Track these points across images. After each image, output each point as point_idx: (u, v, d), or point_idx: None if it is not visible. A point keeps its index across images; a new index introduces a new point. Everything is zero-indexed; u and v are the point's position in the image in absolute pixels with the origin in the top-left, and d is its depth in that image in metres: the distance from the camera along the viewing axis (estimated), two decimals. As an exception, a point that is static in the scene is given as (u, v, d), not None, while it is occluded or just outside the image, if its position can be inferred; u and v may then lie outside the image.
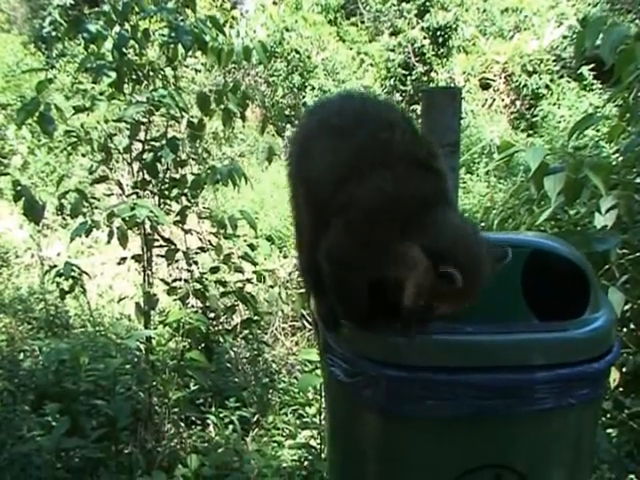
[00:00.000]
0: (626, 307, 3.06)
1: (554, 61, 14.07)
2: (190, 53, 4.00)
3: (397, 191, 1.61)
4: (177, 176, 4.07)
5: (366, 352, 1.64)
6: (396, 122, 1.75)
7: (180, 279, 4.17)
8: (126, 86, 3.90)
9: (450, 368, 1.57)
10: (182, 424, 4.22)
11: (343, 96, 2.15)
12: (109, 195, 4.49)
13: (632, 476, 3.27)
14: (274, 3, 15.86)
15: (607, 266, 2.96)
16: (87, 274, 4.02)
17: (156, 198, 4.02)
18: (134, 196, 3.94)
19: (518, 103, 14.11)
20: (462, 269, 1.51)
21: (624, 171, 3.31)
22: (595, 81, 12.96)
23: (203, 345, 4.03)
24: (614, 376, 2.93)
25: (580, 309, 1.69)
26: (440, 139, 2.03)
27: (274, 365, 5.47)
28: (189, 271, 4.17)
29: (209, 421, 4.38)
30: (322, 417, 3.93)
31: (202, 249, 4.21)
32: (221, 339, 4.38)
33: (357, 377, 1.63)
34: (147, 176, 3.99)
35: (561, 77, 13.88)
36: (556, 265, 1.75)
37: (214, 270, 4.15)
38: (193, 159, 4.28)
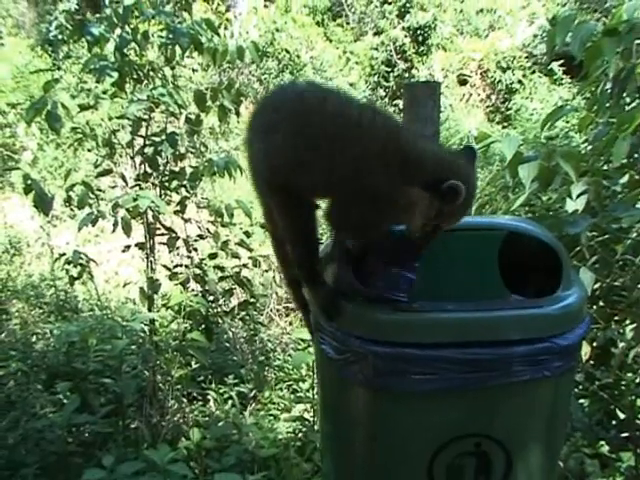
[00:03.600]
0: (596, 286, 3.06)
1: (526, 58, 14.08)
2: (187, 53, 3.97)
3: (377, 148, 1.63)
4: (176, 169, 4.05)
5: (354, 330, 1.63)
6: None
7: (181, 265, 4.16)
8: (128, 85, 3.88)
9: (432, 344, 1.56)
10: (184, 400, 4.23)
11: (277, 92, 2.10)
12: (113, 187, 4.46)
13: (602, 442, 3.28)
14: (265, 6, 15.80)
15: (578, 248, 2.96)
16: (94, 261, 4.00)
17: (157, 189, 4.00)
18: (137, 188, 3.92)
19: (493, 97, 14.13)
20: (463, 182, 1.59)
21: (593, 159, 3.31)
22: (564, 76, 13.00)
23: (203, 326, 4.02)
24: (585, 350, 2.94)
25: (553, 287, 1.69)
26: (421, 129, 2.02)
27: (269, 344, 5.47)
28: (189, 257, 4.16)
29: (209, 397, 4.39)
30: (315, 392, 3.93)
31: (201, 237, 4.20)
32: (220, 320, 4.38)
33: (345, 354, 1.63)
34: (148, 169, 3.97)
35: (533, 72, 13.90)
36: (530, 246, 1.74)
37: (212, 256, 4.14)
38: (191, 153, 4.26)
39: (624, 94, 2.92)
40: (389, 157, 1.61)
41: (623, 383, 3.30)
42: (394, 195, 1.63)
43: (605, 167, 3.20)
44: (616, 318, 3.28)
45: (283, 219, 1.80)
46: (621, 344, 3.20)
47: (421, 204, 1.62)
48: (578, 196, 2.78)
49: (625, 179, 2.98)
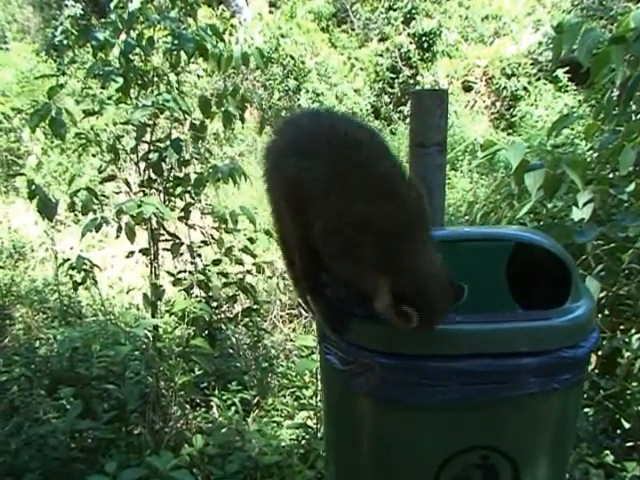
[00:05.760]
0: (601, 295, 3.05)
1: (531, 64, 14.06)
2: (192, 59, 3.96)
3: (375, 221, 1.59)
4: (181, 175, 4.04)
5: (360, 341, 1.62)
6: (365, 140, 1.73)
7: (185, 271, 4.14)
8: (132, 91, 3.87)
9: (440, 356, 1.55)
10: (187, 406, 4.20)
11: (312, 114, 2.10)
12: (117, 193, 4.46)
13: (607, 451, 3.26)
14: (270, 12, 15.83)
15: (584, 256, 2.95)
16: (98, 267, 3.98)
17: (161, 195, 3.99)
18: (141, 194, 3.91)
19: (498, 104, 14.10)
20: (419, 311, 1.50)
21: (599, 167, 3.30)
22: (569, 83, 12.97)
23: (207, 332, 4.01)
24: (591, 359, 2.92)
25: (562, 298, 1.67)
26: (429, 138, 2.01)
27: (273, 350, 5.45)
28: (193, 263, 4.15)
29: (213, 403, 4.37)
30: (318, 399, 3.92)
31: (205, 243, 4.19)
32: (223, 326, 4.36)
33: (351, 365, 1.61)
34: (153, 175, 3.96)
35: (538, 79, 13.87)
36: (539, 257, 1.73)
37: (216, 262, 4.13)
38: (196, 159, 4.25)
39: (631, 102, 2.91)
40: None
41: (628, 392, 3.28)
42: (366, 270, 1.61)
43: (611, 175, 3.19)
44: (622, 327, 3.27)
45: (291, 225, 1.80)
46: (627, 353, 3.18)
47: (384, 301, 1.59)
48: (584, 205, 2.77)
49: (632, 188, 2.97)
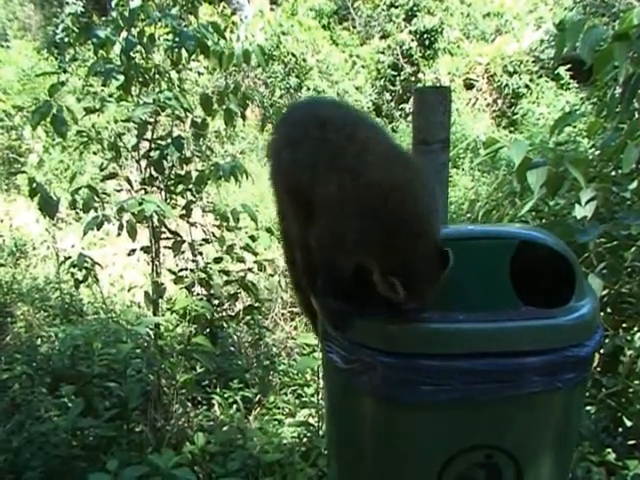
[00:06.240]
0: (604, 293, 3.04)
1: (533, 62, 14.04)
2: (193, 57, 3.96)
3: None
4: (182, 172, 4.04)
5: (362, 340, 1.61)
6: (360, 119, 1.75)
7: (186, 269, 4.14)
8: (134, 88, 3.86)
9: (443, 355, 1.54)
10: (189, 404, 4.21)
11: (304, 104, 2.10)
12: (119, 191, 4.45)
13: (609, 450, 3.26)
14: (271, 9, 15.82)
15: (586, 254, 2.94)
16: (99, 265, 3.98)
17: (163, 193, 3.99)
18: (142, 192, 3.91)
19: (500, 102, 14.08)
20: (406, 282, 1.51)
21: (601, 165, 3.29)
22: (571, 80, 12.95)
23: (208, 330, 4.01)
24: (595, 358, 2.91)
25: (565, 297, 1.66)
26: (432, 136, 2.00)
27: (274, 348, 5.45)
28: (194, 261, 4.15)
29: (214, 401, 4.37)
30: (319, 397, 3.91)
31: (206, 240, 4.19)
32: (225, 324, 4.36)
33: (354, 364, 1.61)
34: (154, 173, 3.96)
35: (540, 77, 13.85)
36: (542, 255, 1.72)
37: (218, 260, 4.12)
38: (197, 156, 4.25)
39: (634, 99, 2.90)
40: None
41: (630, 390, 3.28)
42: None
43: (614, 173, 3.19)
44: (624, 325, 3.26)
45: (293, 220, 1.80)
46: (629, 352, 3.18)
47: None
48: (587, 202, 2.76)
49: (634, 185, 2.96)
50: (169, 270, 4.16)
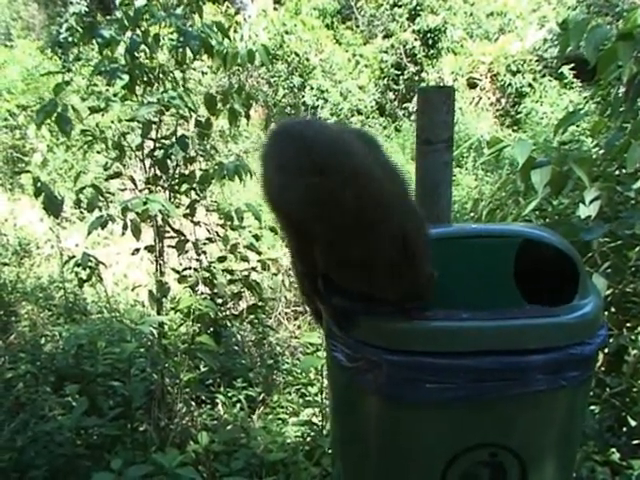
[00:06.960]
0: (608, 292, 3.04)
1: (536, 61, 14.05)
2: (197, 56, 3.96)
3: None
4: (186, 172, 4.04)
5: (367, 338, 1.61)
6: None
7: (190, 268, 4.14)
8: (138, 88, 3.87)
9: (448, 353, 1.54)
10: (193, 403, 4.21)
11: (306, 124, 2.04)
12: (123, 190, 4.46)
13: (613, 449, 3.26)
14: (275, 8, 15.83)
15: (590, 254, 2.94)
16: (103, 264, 3.98)
17: (167, 192, 4.00)
18: (146, 191, 3.92)
19: (503, 101, 14.09)
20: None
21: (605, 164, 3.29)
22: (575, 80, 12.95)
23: (212, 329, 4.01)
24: (598, 356, 2.91)
25: (569, 295, 1.66)
26: (435, 135, 2.00)
27: (278, 347, 5.46)
28: (198, 260, 4.15)
29: (218, 400, 4.38)
30: (323, 396, 3.92)
31: (210, 240, 4.19)
32: (229, 324, 4.37)
33: (358, 362, 1.60)
34: (158, 172, 3.96)
35: (543, 76, 13.85)
36: (546, 254, 1.72)
37: (221, 259, 4.13)
38: (201, 156, 4.26)
39: (638, 99, 2.90)
40: None
41: (635, 390, 3.28)
42: None
43: (618, 172, 3.18)
44: (628, 325, 3.26)
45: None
46: (633, 351, 3.18)
47: None
48: (591, 202, 2.76)
49: (638, 185, 2.96)
50: (173, 269, 4.17)
